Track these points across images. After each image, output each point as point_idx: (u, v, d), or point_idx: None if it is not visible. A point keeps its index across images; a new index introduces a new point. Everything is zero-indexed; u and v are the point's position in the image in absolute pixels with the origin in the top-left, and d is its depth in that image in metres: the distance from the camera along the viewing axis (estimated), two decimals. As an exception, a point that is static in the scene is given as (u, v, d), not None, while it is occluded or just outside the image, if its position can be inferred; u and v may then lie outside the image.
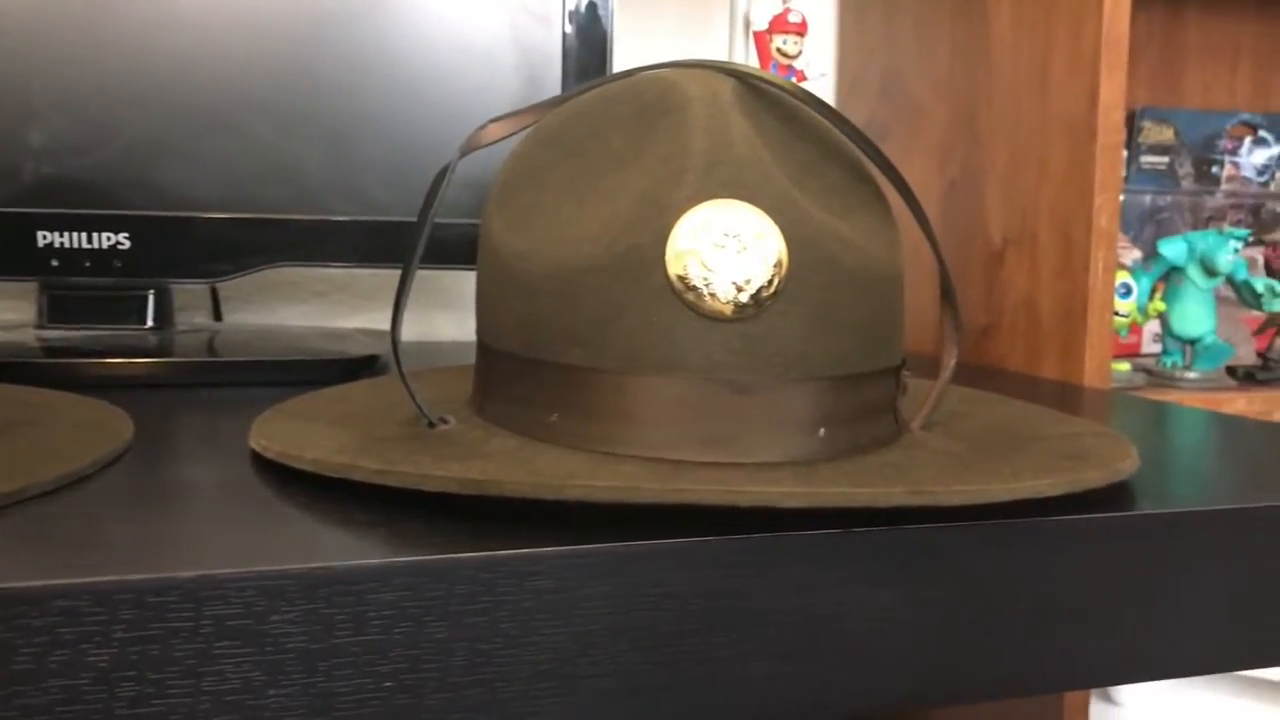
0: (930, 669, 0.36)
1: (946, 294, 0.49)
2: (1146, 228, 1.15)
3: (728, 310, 0.40)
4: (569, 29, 0.73)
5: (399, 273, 0.47)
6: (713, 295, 0.40)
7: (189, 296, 0.90)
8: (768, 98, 0.46)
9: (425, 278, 0.96)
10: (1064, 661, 0.38)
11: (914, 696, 0.36)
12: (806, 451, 0.42)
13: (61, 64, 0.68)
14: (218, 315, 0.87)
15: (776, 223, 0.41)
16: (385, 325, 0.93)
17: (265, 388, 0.60)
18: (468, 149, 0.49)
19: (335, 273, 0.94)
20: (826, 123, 0.47)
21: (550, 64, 0.73)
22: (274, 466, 0.42)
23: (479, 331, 0.49)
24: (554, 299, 0.43)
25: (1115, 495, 0.41)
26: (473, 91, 0.72)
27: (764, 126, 0.45)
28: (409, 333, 0.97)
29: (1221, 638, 0.40)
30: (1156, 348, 0.97)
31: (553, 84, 0.73)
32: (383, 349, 0.71)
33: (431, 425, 0.45)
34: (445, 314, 0.97)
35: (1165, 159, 1.23)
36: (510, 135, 0.50)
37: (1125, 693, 0.94)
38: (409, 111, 0.72)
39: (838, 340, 0.42)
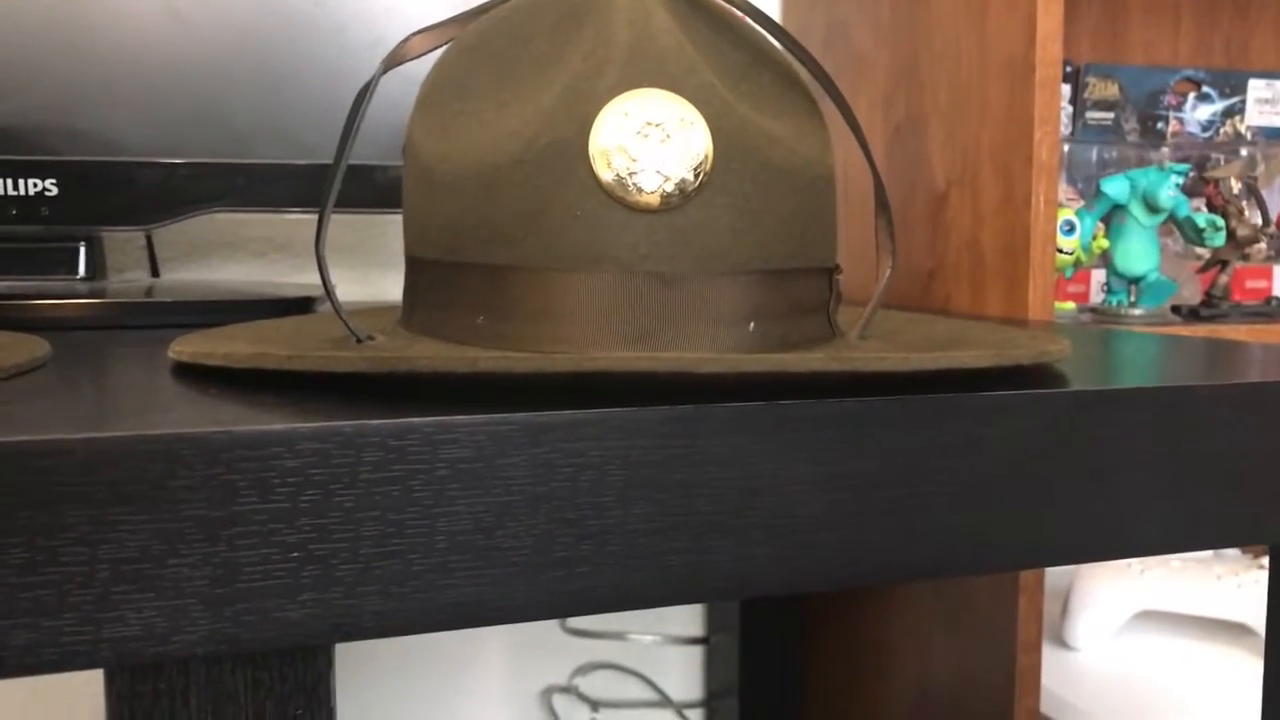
0: (858, 546, 0.35)
1: (880, 200, 0.49)
2: (1094, 186, 1.16)
3: (654, 202, 0.40)
4: (503, -34, 0.72)
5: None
6: (638, 187, 0.40)
7: (125, 255, 0.88)
8: (696, 3, 0.45)
9: (366, 232, 0.95)
10: (996, 541, 0.37)
11: (842, 574, 0.35)
12: (735, 345, 0.41)
13: (-20, 5, 0.66)
14: (155, 272, 0.85)
15: (701, 113, 0.40)
16: (333, 281, 0.92)
17: (199, 329, 0.59)
18: (390, 64, 0.48)
19: (274, 232, 0.93)
20: (758, 30, 0.47)
21: (484, 1, 0.72)
22: (193, 372, 0.41)
23: (406, 246, 0.48)
24: (476, 198, 0.42)
25: (1048, 378, 0.40)
26: (406, 28, 0.71)
27: (691, 27, 0.44)
28: (352, 293, 0.95)
29: (1159, 518, 0.40)
30: (1103, 298, 0.97)
31: (487, 22, 0.72)
32: (319, 294, 0.69)
33: (359, 340, 0.44)
34: (390, 272, 0.96)
35: (1111, 115, 1.23)
36: (435, 48, 0.49)
37: (1080, 638, 0.94)
38: (340, 50, 0.71)
39: (766, 234, 0.42)
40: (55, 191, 0.68)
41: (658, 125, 0.40)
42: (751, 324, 0.41)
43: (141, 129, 0.69)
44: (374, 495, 0.30)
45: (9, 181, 0.67)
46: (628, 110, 0.40)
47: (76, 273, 0.72)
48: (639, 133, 0.40)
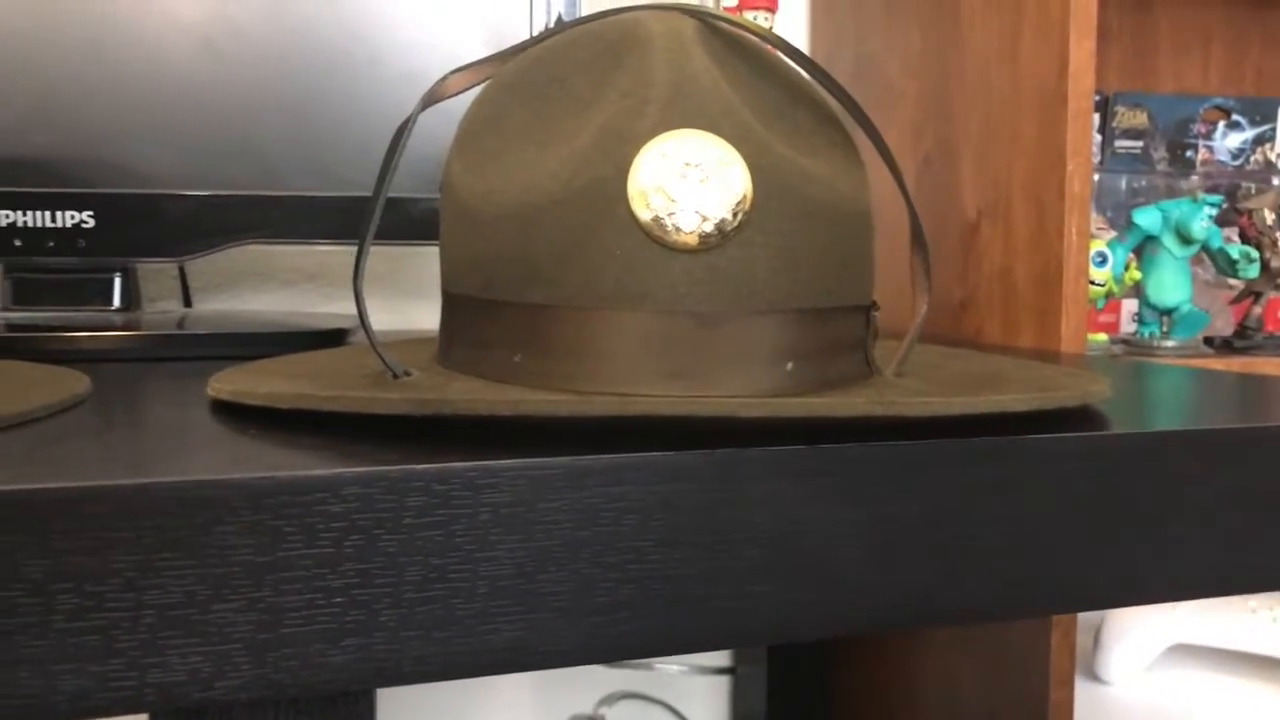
0: (901, 591, 0.35)
1: (916, 238, 0.49)
2: (1122, 215, 1.16)
3: (692, 241, 0.40)
4: (538, 1, 0.73)
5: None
6: (676, 227, 0.40)
7: (159, 285, 0.89)
8: (732, 41, 0.46)
9: (398, 262, 0.95)
10: (1040, 585, 0.37)
11: (881, 619, 0.35)
12: (773, 386, 0.41)
13: (22, 41, 0.67)
14: (187, 301, 0.86)
15: (740, 153, 0.40)
16: (355, 312, 0.92)
17: (232, 361, 0.59)
18: (429, 101, 0.48)
19: (305, 262, 0.93)
20: (793, 68, 0.47)
21: (520, 36, 0.72)
22: (230, 410, 0.41)
23: (442, 281, 0.48)
24: (514, 236, 0.42)
25: (1089, 420, 0.40)
26: (440, 63, 0.72)
27: (728, 66, 0.44)
28: (383, 322, 0.96)
29: (1205, 560, 0.39)
30: (1134, 328, 0.96)
31: (520, 55, 0.72)
32: (351, 325, 0.70)
33: (395, 376, 0.44)
34: (420, 302, 0.96)
35: (1140, 143, 1.23)
36: (472, 86, 0.50)
37: (1112, 671, 0.93)
38: (372, 83, 0.71)
39: (804, 273, 0.42)
40: (92, 223, 0.69)
41: (696, 166, 0.40)
42: (789, 363, 0.41)
43: (176, 161, 0.70)
44: (417, 540, 0.30)
45: (47, 214, 0.68)
46: (666, 151, 0.40)
47: (111, 303, 0.72)
48: (678, 173, 0.40)
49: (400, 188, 0.71)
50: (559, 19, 0.75)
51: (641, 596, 0.32)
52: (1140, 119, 1.22)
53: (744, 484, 0.33)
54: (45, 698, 0.27)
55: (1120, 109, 1.21)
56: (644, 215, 0.40)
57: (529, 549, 0.31)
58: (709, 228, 0.40)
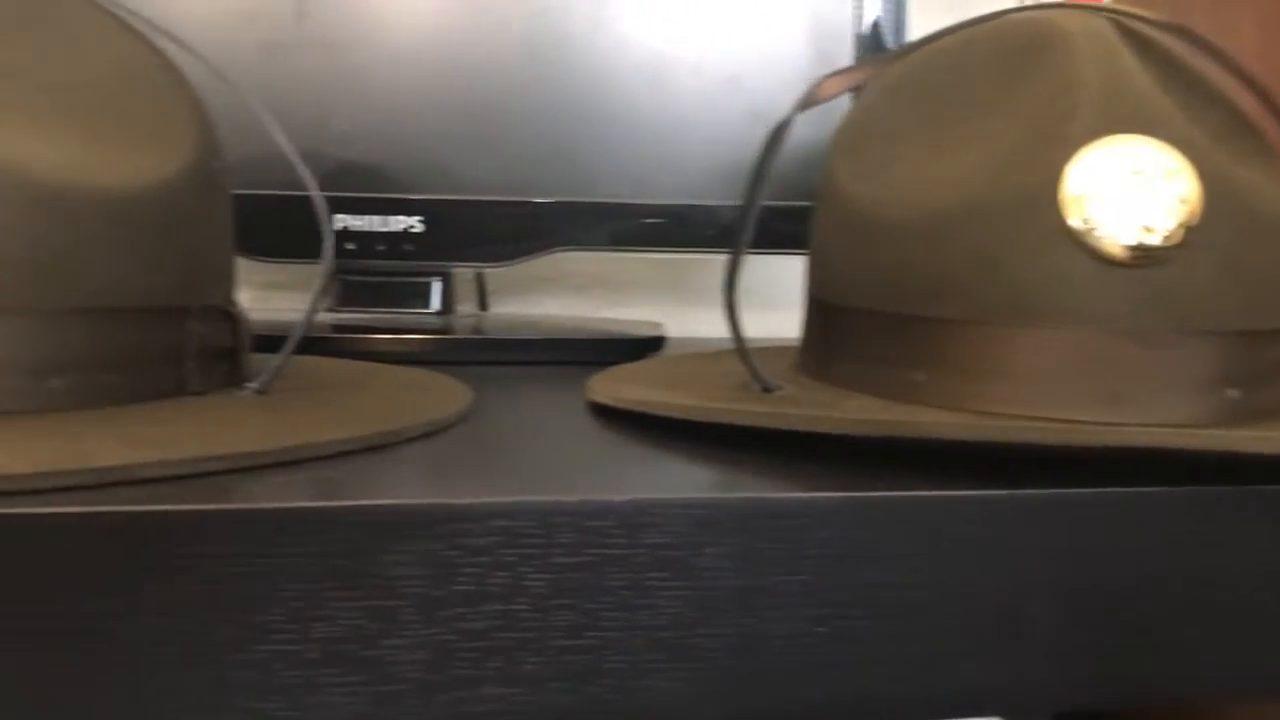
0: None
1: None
2: None
3: (1128, 255, 0.37)
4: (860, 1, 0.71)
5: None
6: (1114, 239, 0.37)
7: (457, 290, 0.91)
8: (1145, 39, 0.42)
9: (700, 270, 0.95)
10: None
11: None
12: (1214, 415, 0.37)
13: (350, 53, 0.69)
14: (484, 305, 0.87)
15: (1187, 161, 0.37)
16: (644, 317, 0.92)
17: (552, 366, 0.59)
18: (805, 104, 0.47)
19: (594, 267, 0.94)
20: (1199, 69, 0.43)
21: (842, 38, 0.70)
22: (617, 419, 0.40)
23: (816, 290, 0.46)
24: (921, 246, 0.40)
25: None
26: (762, 70, 0.70)
27: (1150, 67, 0.41)
28: (685, 329, 0.94)
29: None
30: None
31: (844, 58, 0.70)
32: (658, 332, 0.69)
33: (767, 390, 0.43)
34: (694, 309, 0.95)
35: None
36: (846, 90, 0.48)
37: None
38: (695, 90, 0.70)
39: (1248, 291, 0.38)
40: (421, 229, 0.70)
41: (1141, 174, 0.37)
42: (1233, 390, 0.38)
43: (498, 168, 0.71)
44: (893, 567, 0.28)
45: (378, 218, 0.70)
46: (1106, 157, 0.37)
47: (429, 307, 0.74)
48: (1120, 181, 0.37)
49: (715, 194, 0.70)
50: (875, 23, 0.73)
51: (1122, 640, 0.30)
52: None
53: (1241, 529, 0.30)
54: (537, 715, 0.27)
55: None
56: (1077, 224, 0.37)
57: (1005, 586, 0.29)
58: (1154, 240, 0.36)
